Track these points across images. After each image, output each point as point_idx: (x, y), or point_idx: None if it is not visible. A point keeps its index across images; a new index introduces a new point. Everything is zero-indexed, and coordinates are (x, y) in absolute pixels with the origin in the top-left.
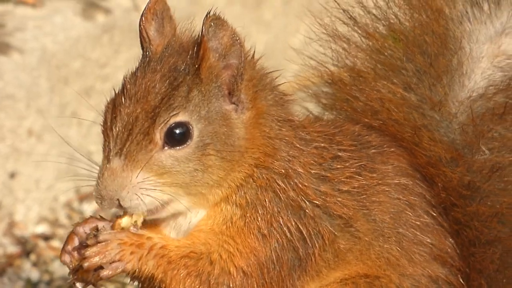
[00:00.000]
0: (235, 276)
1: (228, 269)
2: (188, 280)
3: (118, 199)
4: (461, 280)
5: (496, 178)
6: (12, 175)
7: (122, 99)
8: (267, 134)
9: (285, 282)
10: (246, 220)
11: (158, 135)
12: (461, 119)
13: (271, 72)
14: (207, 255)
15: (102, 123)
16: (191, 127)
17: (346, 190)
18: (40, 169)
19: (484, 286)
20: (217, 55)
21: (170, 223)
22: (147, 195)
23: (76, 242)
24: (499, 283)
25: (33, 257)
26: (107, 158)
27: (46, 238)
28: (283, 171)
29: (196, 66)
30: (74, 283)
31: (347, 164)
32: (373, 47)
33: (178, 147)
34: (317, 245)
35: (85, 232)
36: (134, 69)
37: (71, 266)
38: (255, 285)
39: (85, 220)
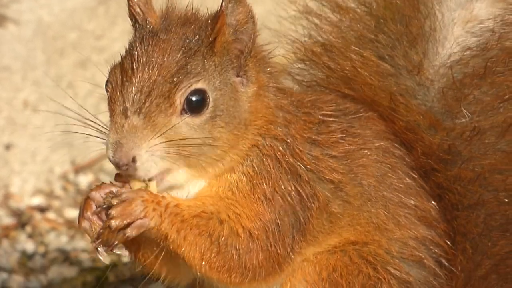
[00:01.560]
0: (242, 238)
1: (236, 230)
2: (200, 240)
3: (134, 156)
4: (448, 242)
5: (476, 142)
6: (8, 147)
7: (133, 64)
8: (268, 104)
9: (285, 247)
10: (253, 186)
11: (179, 100)
12: (439, 85)
13: (264, 45)
14: (217, 215)
15: (110, 87)
16: (208, 96)
17: (334, 155)
18: (35, 141)
19: (468, 250)
20: (231, 30)
21: (173, 191)
22: (160, 159)
23: (93, 207)
24: (484, 247)
25: (28, 229)
26: (124, 114)
27: (42, 210)
28: (282, 136)
29: (211, 39)
30: (97, 249)
31: (331, 129)
32: (344, 21)
33: (194, 115)
34: (314, 208)
35: (102, 196)
36: (139, 38)
37: (91, 231)
38: (260, 249)
39: (98, 186)
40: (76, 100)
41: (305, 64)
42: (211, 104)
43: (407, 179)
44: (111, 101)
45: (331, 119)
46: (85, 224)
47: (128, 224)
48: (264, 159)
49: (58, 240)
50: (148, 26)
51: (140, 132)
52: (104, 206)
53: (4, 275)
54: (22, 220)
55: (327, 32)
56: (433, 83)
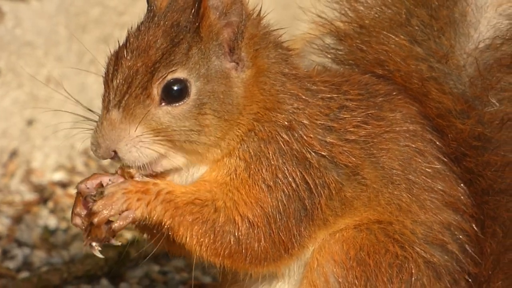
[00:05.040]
0: (240, 224)
1: (233, 218)
2: (196, 227)
3: (114, 151)
4: (475, 227)
5: (507, 128)
6: (30, 122)
7: (124, 52)
8: (267, 90)
9: (292, 232)
10: (251, 172)
11: (156, 91)
12: (470, 71)
13: (275, 29)
14: (212, 202)
15: (104, 75)
16: (188, 84)
17: (353, 139)
18: (57, 116)
19: (499, 233)
20: (217, 13)
21: (175, 177)
22: (147, 147)
23: (82, 201)
24: None
25: (50, 204)
26: (106, 108)
27: (64, 185)
28: (286, 123)
29: (196, 24)
30: (90, 244)
31: (354, 114)
32: (377, 4)
33: (175, 104)
34: (323, 195)
35: (87, 188)
36: (139, 23)
37: (83, 227)
38: (262, 236)
39: (88, 177)
40: (98, 77)
41: (340, 43)
42: (193, 92)
43: (436, 163)
44: (103, 92)
45: (354, 103)
46: (76, 220)
47: (113, 217)
48: (262, 145)
49: None
50: (152, 9)
51: (118, 125)
52: (90, 199)
53: (27, 250)
54: (44, 195)
55: (360, 13)
56: (465, 68)
